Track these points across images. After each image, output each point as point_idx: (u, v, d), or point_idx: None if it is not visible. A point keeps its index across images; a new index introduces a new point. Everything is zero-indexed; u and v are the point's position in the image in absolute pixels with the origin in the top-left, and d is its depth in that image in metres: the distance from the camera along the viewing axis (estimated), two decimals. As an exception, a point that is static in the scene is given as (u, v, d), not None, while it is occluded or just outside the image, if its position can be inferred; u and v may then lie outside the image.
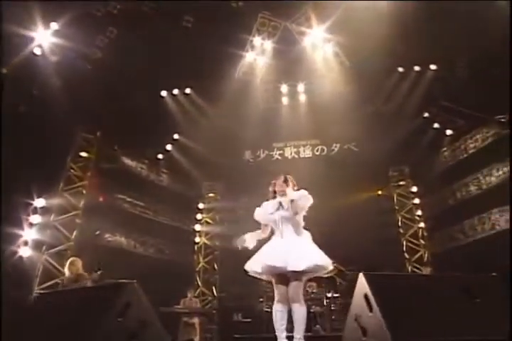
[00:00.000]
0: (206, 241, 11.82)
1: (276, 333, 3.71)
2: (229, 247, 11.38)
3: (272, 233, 4.10)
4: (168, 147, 11.97)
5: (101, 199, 9.99)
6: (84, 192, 9.63)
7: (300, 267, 3.59)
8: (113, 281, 3.50)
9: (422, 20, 9.61)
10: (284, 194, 3.92)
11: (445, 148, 10.78)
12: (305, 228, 4.00)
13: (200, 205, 12.11)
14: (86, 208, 9.51)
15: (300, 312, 3.65)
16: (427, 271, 8.95)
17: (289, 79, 11.33)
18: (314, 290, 8.30)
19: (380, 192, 11.35)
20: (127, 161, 11.00)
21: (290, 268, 3.60)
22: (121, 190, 10.46)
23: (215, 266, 11.55)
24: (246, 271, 3.97)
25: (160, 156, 11.85)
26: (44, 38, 9.42)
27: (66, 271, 6.63)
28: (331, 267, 3.78)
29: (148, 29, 10.62)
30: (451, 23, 9.53)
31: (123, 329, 3.00)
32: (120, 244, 10.11)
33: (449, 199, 10.34)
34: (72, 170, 9.74)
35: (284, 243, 3.78)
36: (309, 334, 7.63)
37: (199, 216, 11.95)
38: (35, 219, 8.71)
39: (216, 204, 12.19)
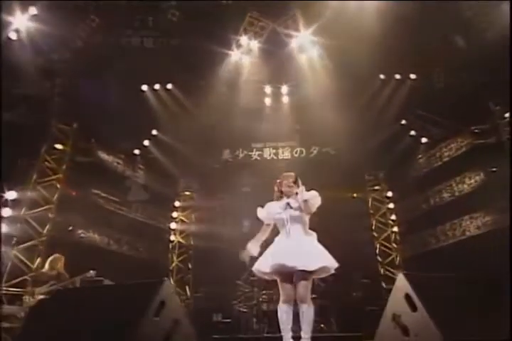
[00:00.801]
0: (181, 240, 11.66)
1: (282, 333, 3.70)
2: (203, 246, 11.32)
3: (274, 233, 4.08)
4: (146, 143, 11.73)
5: (74, 193, 9.65)
6: (58, 185, 9.27)
7: (311, 267, 3.58)
8: (148, 280, 3.37)
9: (405, 29, 9.87)
10: (291, 194, 3.90)
11: (420, 155, 11.12)
12: (310, 228, 4.01)
13: (176, 203, 11.93)
14: (59, 202, 9.17)
15: (309, 312, 3.65)
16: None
17: (273, 80, 11.35)
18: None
19: (355, 195, 11.56)
20: (103, 155, 10.69)
21: (301, 268, 3.59)
22: (96, 184, 10.15)
23: (189, 265, 11.41)
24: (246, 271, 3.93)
25: (137, 152, 11.58)
26: (21, 22, 9.01)
27: (46, 266, 6.38)
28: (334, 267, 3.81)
29: (132, 21, 10.43)
30: (433, 33, 9.87)
31: (160, 328, 2.92)
32: (93, 241, 9.80)
33: (422, 204, 10.66)
34: (46, 163, 9.36)
35: (293, 242, 3.76)
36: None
37: (175, 214, 11.77)
38: (6, 212, 8.32)
39: (192, 202, 12.05)
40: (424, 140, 11.36)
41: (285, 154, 12.13)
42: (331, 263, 3.69)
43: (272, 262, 3.69)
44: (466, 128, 10.09)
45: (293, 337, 3.67)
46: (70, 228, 9.13)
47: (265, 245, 4.05)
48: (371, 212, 11.49)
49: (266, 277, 3.90)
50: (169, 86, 11.19)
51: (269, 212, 3.95)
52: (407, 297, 2.83)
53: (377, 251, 10.94)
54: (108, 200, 10.41)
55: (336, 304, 8.21)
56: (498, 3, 8.70)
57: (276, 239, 3.94)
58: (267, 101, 11.59)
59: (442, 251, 9.81)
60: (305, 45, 10.51)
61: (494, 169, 9.30)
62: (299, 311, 3.70)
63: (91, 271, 6.61)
